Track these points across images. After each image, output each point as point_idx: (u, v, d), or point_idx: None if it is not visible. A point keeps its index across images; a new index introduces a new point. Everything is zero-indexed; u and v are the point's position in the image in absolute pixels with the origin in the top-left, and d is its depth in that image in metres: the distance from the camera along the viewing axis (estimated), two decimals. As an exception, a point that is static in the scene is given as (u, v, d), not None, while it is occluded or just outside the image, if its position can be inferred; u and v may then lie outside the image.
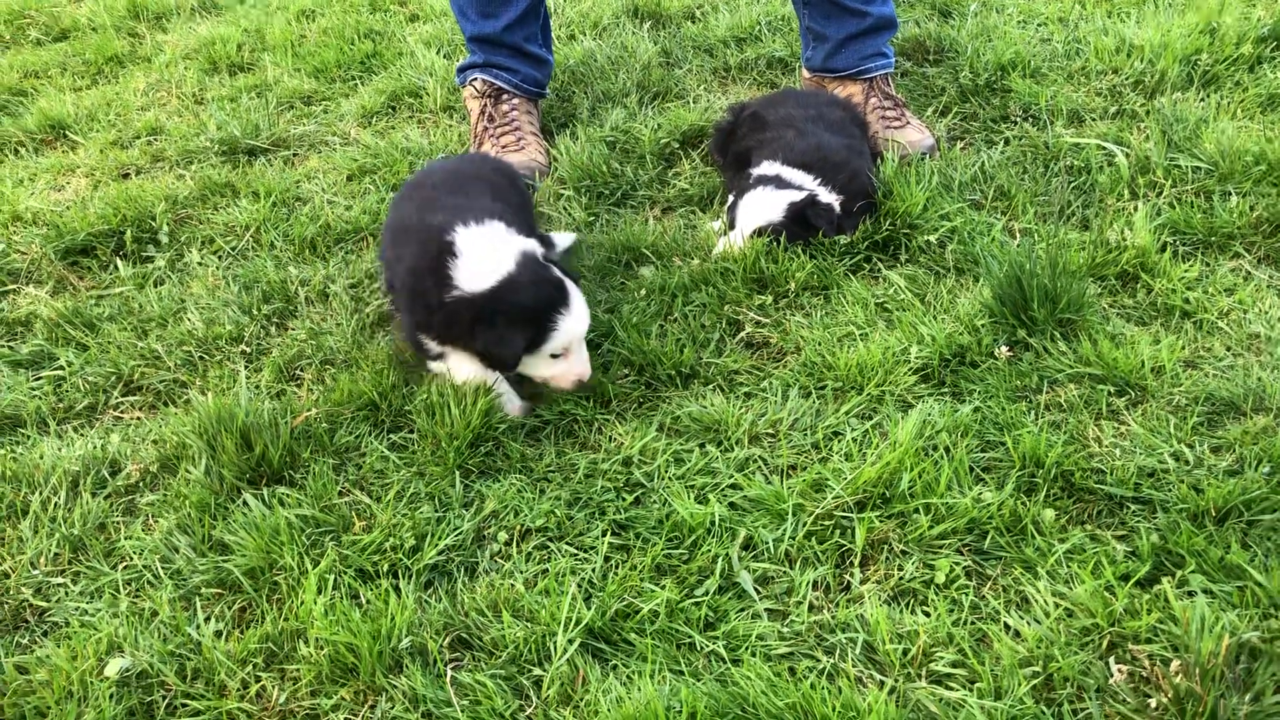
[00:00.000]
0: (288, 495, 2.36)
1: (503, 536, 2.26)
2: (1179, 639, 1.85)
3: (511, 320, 2.46)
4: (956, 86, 3.99)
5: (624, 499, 2.34)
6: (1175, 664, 1.79)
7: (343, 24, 5.09)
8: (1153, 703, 1.76)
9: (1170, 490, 2.22)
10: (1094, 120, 3.72)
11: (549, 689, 1.92)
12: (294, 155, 3.99)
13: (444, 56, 4.64)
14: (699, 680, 1.91)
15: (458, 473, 2.41)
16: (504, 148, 3.73)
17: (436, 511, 2.32)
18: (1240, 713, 1.73)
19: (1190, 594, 1.98)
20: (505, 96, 3.86)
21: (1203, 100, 3.73)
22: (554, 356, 2.56)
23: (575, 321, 2.53)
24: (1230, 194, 3.19)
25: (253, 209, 3.55)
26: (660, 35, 4.69)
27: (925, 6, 4.72)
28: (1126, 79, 3.91)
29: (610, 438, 2.54)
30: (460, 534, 2.26)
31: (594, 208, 3.48)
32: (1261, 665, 1.82)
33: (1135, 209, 3.17)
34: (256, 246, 3.41)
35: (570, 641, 1.98)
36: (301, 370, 2.83)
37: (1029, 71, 4.03)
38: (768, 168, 3.21)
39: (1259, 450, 2.29)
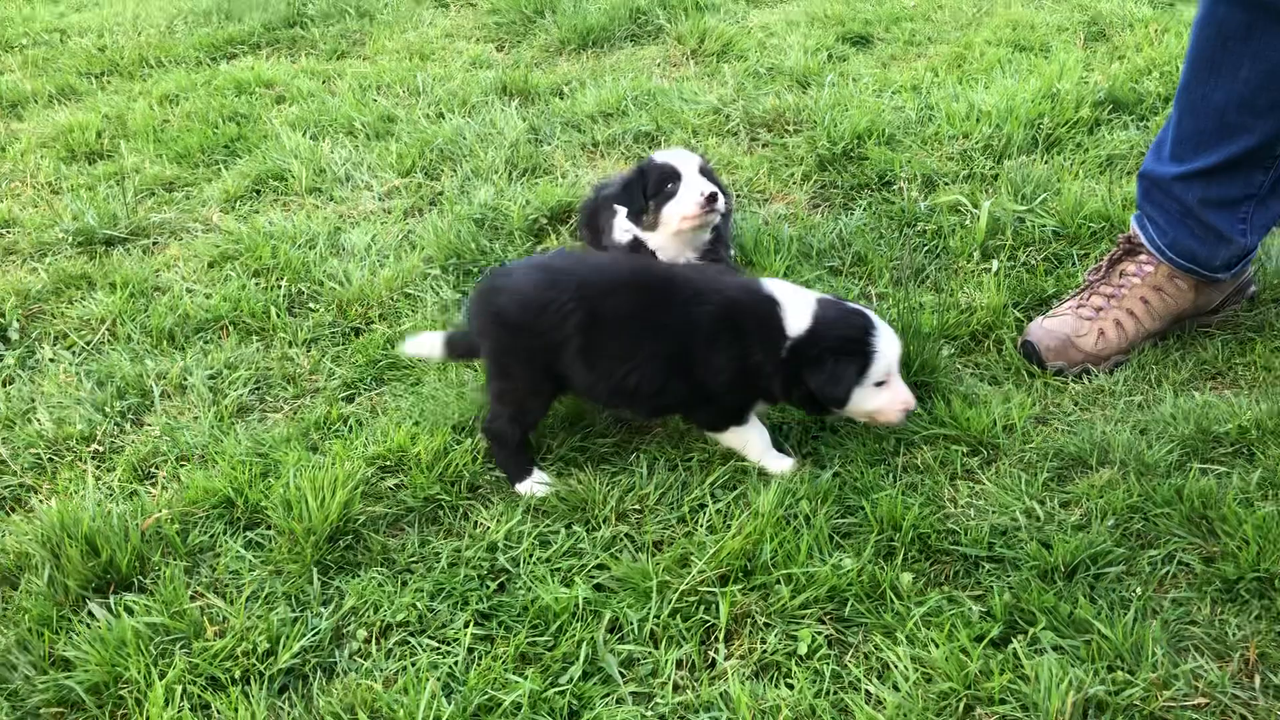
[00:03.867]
0: (136, 602, 2.27)
1: (361, 634, 2.20)
2: (1028, 698, 1.89)
3: (839, 353, 2.44)
4: (815, 155, 4.10)
5: (488, 586, 2.30)
6: (1021, 723, 1.83)
7: (206, 107, 5.03)
8: (1004, 765, 1.78)
9: (1022, 548, 2.27)
10: (947, 184, 3.86)
11: (406, 793, 1.86)
12: (153, 244, 3.90)
13: (310, 138, 4.60)
14: (561, 773, 1.88)
15: (315, 569, 2.34)
16: None
17: (293, 611, 2.25)
18: (1088, 769, 1.77)
19: (1040, 651, 2.02)
20: None
21: (1047, 162, 3.90)
22: (877, 385, 2.50)
23: (891, 343, 2.49)
24: (1076, 256, 3.34)
25: (109, 301, 3.45)
26: (529, 112, 4.74)
27: (785, 78, 4.87)
28: (976, 143, 4.07)
29: (476, 523, 2.50)
30: (318, 634, 2.19)
31: (463, 285, 3.47)
32: (1105, 718, 1.86)
33: (989, 269, 3.29)
34: (112, 339, 3.30)
35: (428, 741, 1.93)
36: (156, 468, 2.73)
37: (884, 139, 4.18)
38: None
39: (1104, 504, 2.37)
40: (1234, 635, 2.05)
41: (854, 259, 3.47)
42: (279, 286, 3.46)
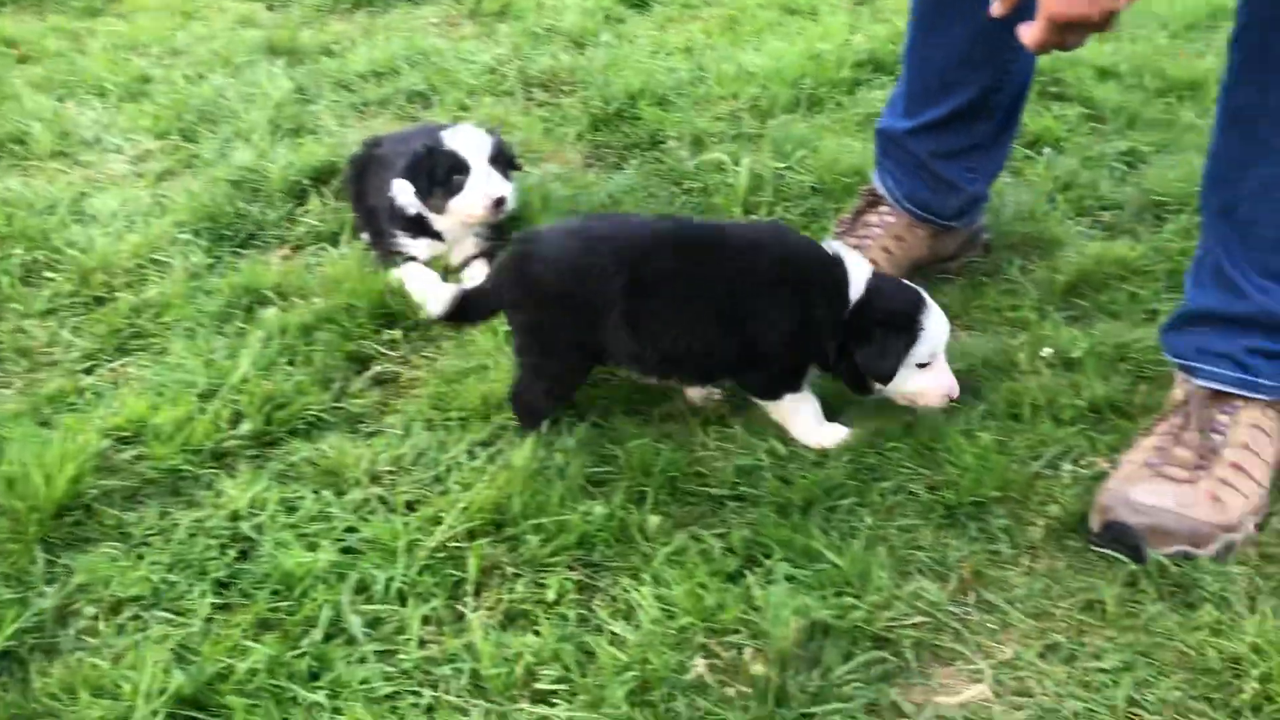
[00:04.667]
0: None
1: (90, 611, 2.09)
2: (758, 626, 1.96)
3: (889, 327, 2.33)
4: (589, 115, 4.12)
5: (228, 555, 2.22)
6: (749, 651, 1.90)
7: (-61, 67, 4.64)
8: (732, 692, 1.85)
9: (764, 486, 2.36)
10: (715, 143, 3.94)
11: (127, 770, 1.79)
12: None
13: (56, 99, 4.31)
14: (295, 735, 1.84)
15: (39, 548, 2.21)
16: None
17: (13, 593, 2.12)
18: (810, 688, 1.85)
19: (774, 582, 2.10)
20: None
21: (808, 121, 4.03)
22: (920, 366, 2.39)
23: (941, 325, 2.39)
24: (831, 210, 3.47)
25: None
26: (297, 72, 4.57)
27: (562, 38, 4.86)
28: (744, 104, 4.17)
29: (220, 492, 2.41)
30: (40, 614, 2.07)
31: (216, 250, 3.32)
32: (831, 641, 1.96)
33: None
34: None
35: (154, 714, 1.86)
36: None
37: (657, 99, 4.22)
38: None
39: (844, 442, 2.48)
40: (953, 557, 2.18)
41: (622, 216, 3.51)
42: (11, 256, 3.23)
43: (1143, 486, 2.19)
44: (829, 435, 2.49)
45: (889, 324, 2.35)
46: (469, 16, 5.27)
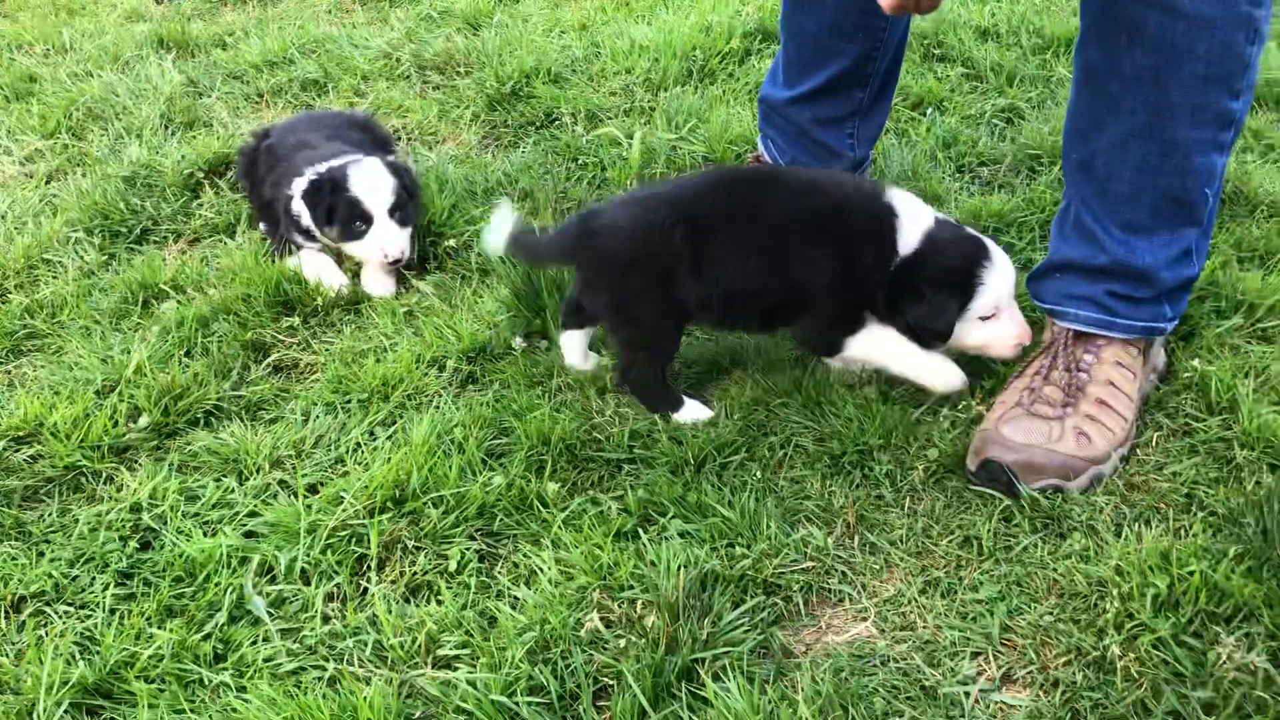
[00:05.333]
0: None
1: (-12, 611, 2.11)
2: (651, 580, 2.03)
3: (939, 284, 2.29)
4: (484, 96, 4.14)
5: (129, 546, 2.24)
6: (641, 604, 1.97)
7: None
8: (623, 643, 1.92)
9: (657, 448, 2.43)
10: (610, 118, 3.99)
11: (32, 760, 1.81)
12: None
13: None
14: (200, 717, 1.87)
15: (-65, 551, 2.21)
16: None
17: (-92, 599, 2.12)
18: (701, 635, 1.94)
19: (667, 538, 2.18)
20: None
21: (699, 93, 4.10)
22: (983, 320, 2.37)
23: (1004, 276, 2.34)
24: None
25: None
26: (188, 65, 4.52)
27: (456, 20, 4.86)
28: (637, 78, 4.22)
29: (121, 486, 2.42)
30: (-62, 617, 2.08)
31: (110, 247, 3.30)
32: (721, 591, 2.04)
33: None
34: None
35: (58, 704, 1.88)
36: None
37: (551, 77, 4.26)
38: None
39: (731, 401, 2.56)
40: (838, 504, 2.27)
41: (520, 195, 3.55)
42: (-104, 265, 3.19)
43: (1015, 425, 2.29)
44: (949, 374, 2.46)
45: (940, 281, 2.32)
46: (361, 3, 5.25)
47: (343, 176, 3.11)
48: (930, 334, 2.40)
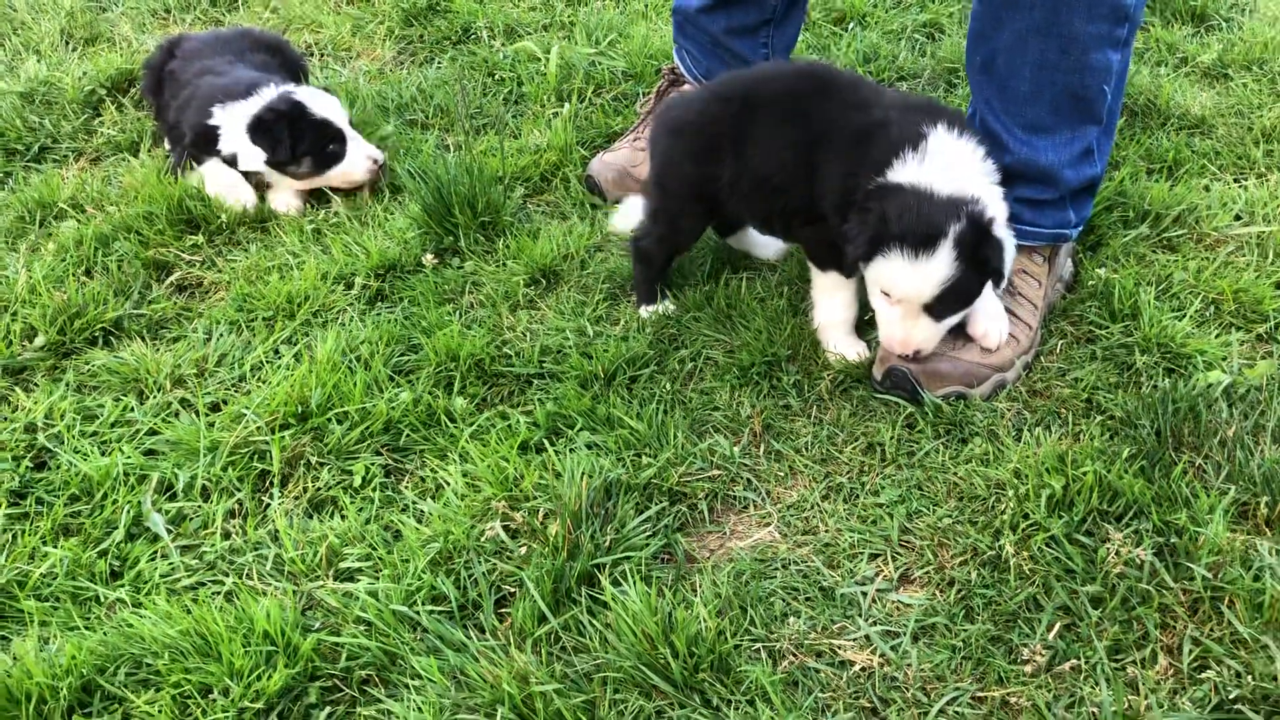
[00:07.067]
0: None
1: (-128, 537, 2.05)
2: (555, 490, 2.03)
3: (868, 222, 2.11)
4: (400, 11, 4.03)
5: (22, 465, 2.19)
6: (544, 513, 1.97)
7: None
8: (525, 550, 1.92)
9: (567, 363, 2.41)
10: (528, 33, 3.90)
11: (-83, 679, 1.77)
12: None
13: None
14: (94, 632, 1.85)
15: None
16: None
17: None
18: (605, 542, 1.94)
19: (574, 450, 2.17)
20: None
21: (621, 9, 4.02)
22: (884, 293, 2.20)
23: (916, 279, 2.12)
24: (641, 93, 3.49)
25: None
26: (90, -23, 4.34)
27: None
28: (557, -8, 4.13)
29: (15, 406, 2.36)
30: None
31: (6, 166, 3.19)
32: (625, 498, 2.04)
33: (559, 112, 3.38)
34: None
35: (-55, 625, 1.85)
36: None
37: (470, -8, 4.15)
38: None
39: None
40: (745, 414, 2.28)
41: (435, 110, 3.47)
42: None
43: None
44: (847, 345, 2.40)
45: (871, 220, 2.13)
46: (275, -86, 5.05)
47: (297, 106, 3.03)
48: (840, 249, 2.22)
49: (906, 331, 2.20)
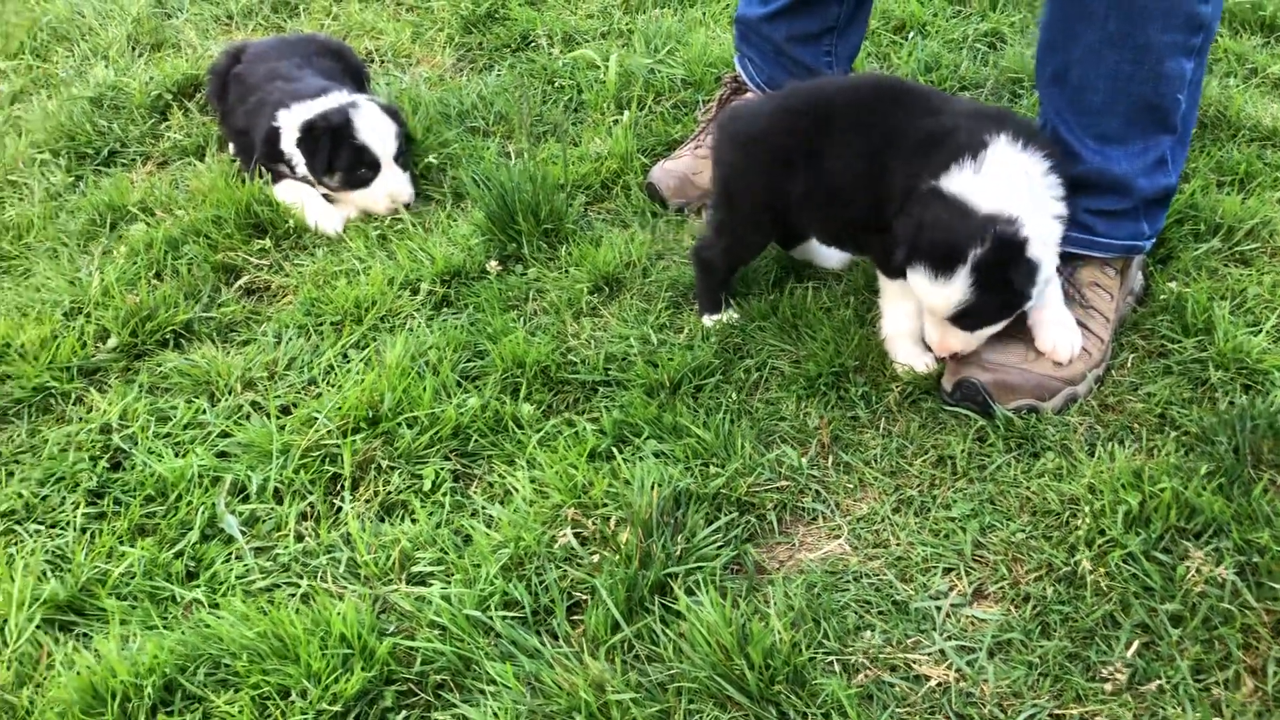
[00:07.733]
0: None
1: (-43, 531, 2.09)
2: (625, 498, 2.03)
3: (909, 238, 2.12)
4: (459, 18, 4.06)
5: (99, 466, 2.23)
6: (615, 519, 1.97)
7: None
8: (596, 558, 1.93)
9: (633, 371, 2.41)
10: (586, 41, 3.92)
11: (3, 675, 1.81)
12: None
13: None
14: (173, 632, 1.87)
15: (-98, 472, 2.19)
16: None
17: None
18: (676, 551, 1.94)
19: (642, 458, 2.17)
20: None
21: (679, 16, 4.03)
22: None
23: (938, 299, 2.15)
24: (701, 101, 3.49)
25: None
26: (155, -17, 4.41)
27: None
28: (615, 0, 4.14)
29: (91, 407, 2.40)
30: (-94, 539, 2.06)
31: (77, 169, 3.24)
32: (694, 508, 2.04)
33: (620, 119, 3.39)
34: None
35: (30, 620, 1.88)
36: None
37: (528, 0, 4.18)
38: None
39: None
40: (813, 424, 2.27)
41: (495, 118, 3.49)
42: None
43: (991, 345, 2.30)
44: (915, 356, 2.37)
45: (912, 235, 2.13)
46: (335, -78, 5.11)
47: (345, 123, 3.04)
48: (891, 252, 2.20)
49: (943, 335, 2.24)
